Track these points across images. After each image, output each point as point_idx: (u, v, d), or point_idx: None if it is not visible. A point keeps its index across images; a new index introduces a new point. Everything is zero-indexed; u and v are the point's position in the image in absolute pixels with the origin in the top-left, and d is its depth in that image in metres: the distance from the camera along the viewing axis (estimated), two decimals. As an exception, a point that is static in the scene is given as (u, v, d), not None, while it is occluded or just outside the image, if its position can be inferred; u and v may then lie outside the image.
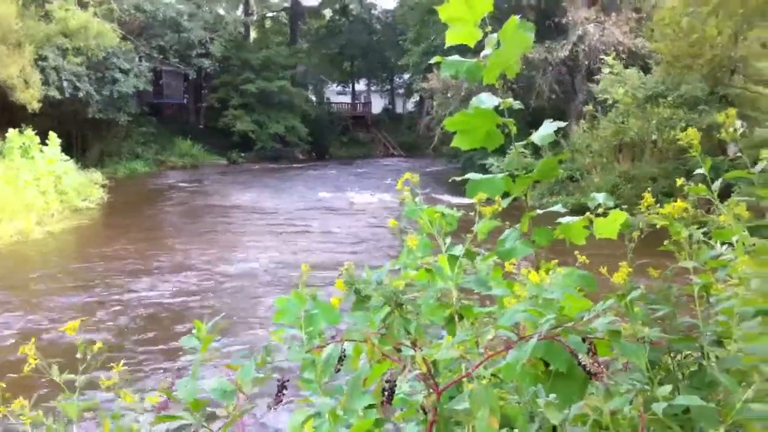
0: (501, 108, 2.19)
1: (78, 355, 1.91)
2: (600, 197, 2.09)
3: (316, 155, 47.05)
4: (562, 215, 2.23)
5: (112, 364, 1.91)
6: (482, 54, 2.07)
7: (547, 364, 1.59)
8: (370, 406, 2.04)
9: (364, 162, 44.37)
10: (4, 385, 1.90)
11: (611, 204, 2.05)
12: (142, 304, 11.81)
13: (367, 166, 40.77)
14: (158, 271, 14.32)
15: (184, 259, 15.53)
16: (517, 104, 2.11)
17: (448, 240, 2.18)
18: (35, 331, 9.85)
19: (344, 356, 1.61)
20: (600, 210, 2.08)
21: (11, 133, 23.47)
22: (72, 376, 1.91)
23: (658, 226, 1.97)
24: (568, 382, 1.57)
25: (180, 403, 1.56)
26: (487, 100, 2.12)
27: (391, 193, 23.79)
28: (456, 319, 2.01)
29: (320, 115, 49.56)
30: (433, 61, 2.11)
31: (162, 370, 7.97)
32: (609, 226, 2.07)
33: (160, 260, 15.36)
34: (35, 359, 1.92)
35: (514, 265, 2.10)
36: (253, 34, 52.60)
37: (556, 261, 2.02)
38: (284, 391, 1.61)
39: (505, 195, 2.24)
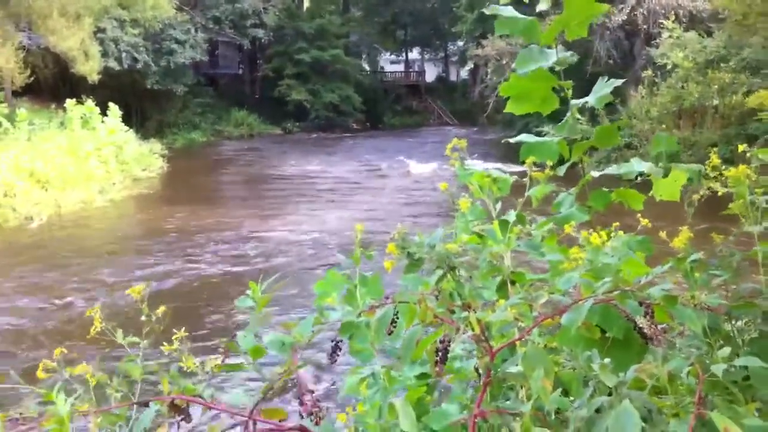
0: (557, 70, 2.14)
1: (142, 318, 1.96)
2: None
3: (370, 124, 47.03)
4: (620, 179, 2.18)
5: (174, 329, 1.95)
6: (539, 7, 2.02)
7: (603, 332, 1.57)
8: (423, 375, 2.04)
9: (418, 131, 44.19)
10: (70, 345, 1.96)
11: (675, 149, 1.97)
12: (203, 271, 12.06)
13: (421, 135, 40.60)
14: (217, 239, 14.57)
15: (243, 227, 15.77)
16: (571, 55, 2.04)
17: (499, 205, 2.15)
18: (99, 295, 10.16)
19: (397, 318, 1.62)
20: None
21: (70, 103, 24.01)
22: (136, 339, 1.95)
23: (720, 193, 1.91)
24: (624, 348, 1.55)
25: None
26: (539, 55, 2.06)
27: (444, 162, 23.66)
28: (508, 284, 1.99)
29: (374, 84, 49.44)
30: (488, 12, 2.04)
31: (223, 334, 8.15)
32: (670, 187, 2.00)
33: (218, 228, 15.62)
34: (100, 322, 1.98)
35: (573, 229, 2.07)
36: (306, 3, 52.52)
37: (617, 224, 1.98)
38: (339, 351, 1.62)
39: (562, 162, 2.20)
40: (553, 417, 1.58)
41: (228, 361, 1.75)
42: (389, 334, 1.71)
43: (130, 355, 1.91)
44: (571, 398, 1.73)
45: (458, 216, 2.07)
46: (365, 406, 1.91)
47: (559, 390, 1.58)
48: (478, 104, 37.16)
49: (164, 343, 1.92)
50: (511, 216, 2.10)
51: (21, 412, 1.71)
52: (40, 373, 1.75)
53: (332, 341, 1.64)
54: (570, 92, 2.12)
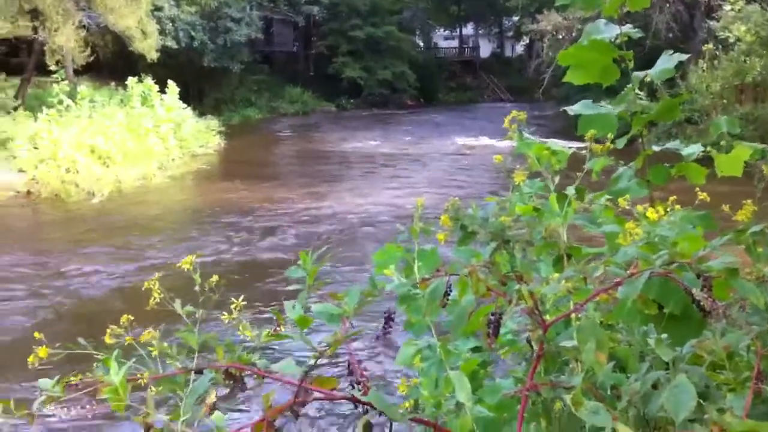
0: (618, 42, 2.09)
1: (196, 288, 1.98)
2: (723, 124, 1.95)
3: (424, 101, 46.78)
4: (680, 154, 2.12)
5: (232, 298, 1.98)
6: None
7: (660, 308, 1.53)
8: (476, 349, 2.04)
9: (472, 107, 43.82)
10: (132, 318, 2.00)
11: (737, 130, 1.92)
12: (260, 245, 12.23)
13: (475, 111, 40.26)
14: (274, 215, 14.74)
15: (298, 202, 15.92)
16: (636, 32, 2.00)
17: (558, 178, 2.11)
18: (158, 266, 10.38)
19: (450, 290, 1.61)
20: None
21: (131, 81, 24.47)
22: (192, 308, 1.98)
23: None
24: (681, 323, 1.51)
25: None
26: (605, 29, 2.02)
27: (499, 138, 23.43)
28: (565, 259, 1.96)
29: (427, 60, 49.11)
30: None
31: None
32: (733, 162, 1.94)
33: (274, 203, 15.80)
34: (159, 293, 2.02)
35: (630, 204, 2.02)
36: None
37: (674, 197, 1.93)
38: (391, 323, 1.63)
39: (620, 136, 2.14)
40: (608, 392, 1.56)
41: (283, 331, 1.76)
42: (443, 307, 1.71)
43: (188, 324, 1.94)
44: (627, 375, 1.71)
45: (513, 189, 2.04)
46: (420, 378, 1.91)
47: (614, 364, 1.55)
48: (534, 80, 36.62)
49: (223, 313, 1.95)
50: (570, 190, 2.06)
51: (81, 377, 1.75)
52: (108, 338, 1.79)
53: (385, 313, 1.64)
54: (631, 63, 2.07)
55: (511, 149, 2.18)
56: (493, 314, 1.48)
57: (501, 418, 1.84)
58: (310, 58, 46.89)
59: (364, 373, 1.55)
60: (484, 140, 26.32)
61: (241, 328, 1.89)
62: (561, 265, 1.96)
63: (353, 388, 1.52)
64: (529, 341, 1.64)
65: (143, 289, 2.07)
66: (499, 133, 20.89)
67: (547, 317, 1.62)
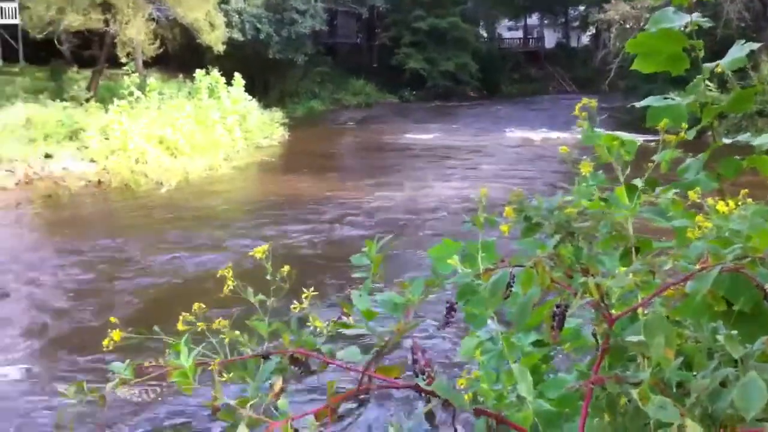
0: (687, 31, 2.04)
1: (267, 277, 2.02)
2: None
3: (487, 92, 46.37)
4: (751, 147, 2.06)
5: (298, 288, 2.01)
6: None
7: (729, 304, 1.50)
8: (537, 343, 2.02)
9: (536, 99, 43.24)
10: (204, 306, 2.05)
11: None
12: (324, 236, 12.36)
13: (540, 103, 39.75)
14: (337, 206, 14.86)
15: (361, 194, 16.01)
16: (706, 21, 1.94)
17: (628, 170, 2.07)
18: (226, 255, 10.58)
19: (513, 282, 1.60)
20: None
21: (199, 73, 24.95)
22: (263, 297, 2.02)
23: None
24: (752, 320, 1.48)
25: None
26: (674, 17, 1.97)
27: (564, 130, 23.11)
28: (633, 252, 1.93)
29: (491, 51, 48.66)
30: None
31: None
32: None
33: (337, 195, 15.93)
34: (232, 281, 2.06)
35: (699, 197, 1.98)
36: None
37: (746, 191, 1.88)
38: (453, 313, 1.63)
39: (690, 128, 2.09)
40: (674, 389, 1.54)
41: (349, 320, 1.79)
42: (505, 299, 1.70)
43: (258, 313, 1.98)
44: (694, 373, 1.67)
45: (579, 180, 2.01)
46: (480, 371, 1.91)
47: (681, 359, 1.53)
48: (600, 71, 35.91)
49: (295, 302, 1.98)
50: (639, 182, 2.03)
51: (152, 362, 1.81)
52: (180, 325, 1.84)
53: (447, 303, 1.65)
54: (701, 53, 2.02)
55: (577, 141, 2.15)
56: (558, 306, 1.47)
57: (563, 412, 1.83)
58: (373, 50, 46.98)
59: (429, 361, 1.55)
60: (549, 132, 26.00)
61: (310, 319, 1.92)
62: (628, 259, 1.93)
63: (417, 376, 1.53)
64: (594, 335, 1.63)
65: (218, 275, 2.13)
66: (564, 126, 20.62)
67: (613, 312, 1.60)
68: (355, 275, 1.67)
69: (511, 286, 1.65)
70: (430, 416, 1.51)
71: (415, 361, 1.55)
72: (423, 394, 1.49)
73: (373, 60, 46.63)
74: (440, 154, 22.38)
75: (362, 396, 1.49)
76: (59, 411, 1.85)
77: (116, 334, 1.83)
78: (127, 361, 1.83)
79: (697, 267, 1.42)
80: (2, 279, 10.39)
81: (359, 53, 46.88)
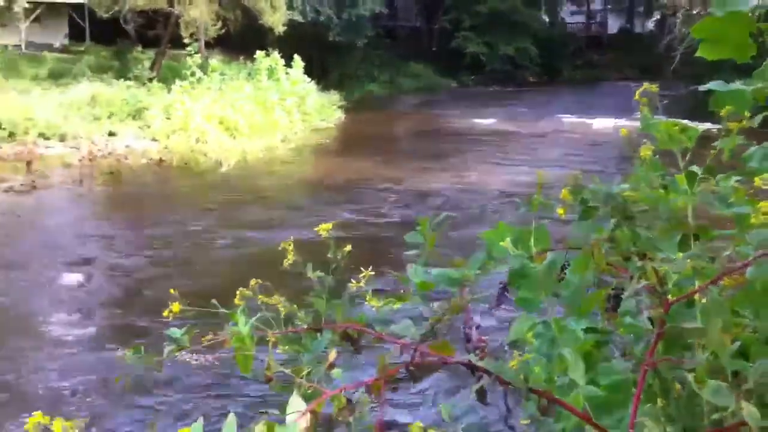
0: (756, 15, 1.99)
1: (329, 255, 2.05)
2: None
3: (548, 77, 45.70)
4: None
5: (354, 267, 2.04)
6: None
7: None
8: (590, 330, 2.01)
9: (598, 84, 42.48)
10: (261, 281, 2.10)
11: None
12: (379, 218, 12.42)
13: (601, 89, 39.05)
14: (392, 189, 14.90)
15: (416, 178, 16.01)
16: (776, 2, 1.88)
17: (688, 156, 2.04)
18: (283, 233, 10.71)
19: (567, 265, 1.60)
20: None
21: (259, 54, 25.20)
22: (321, 273, 2.05)
23: None
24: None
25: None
26: (741, 1, 1.92)
27: (625, 117, 22.68)
28: (692, 239, 1.90)
29: (552, 36, 47.89)
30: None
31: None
32: None
33: (393, 178, 15.95)
34: (292, 256, 2.11)
35: (765, 184, 1.93)
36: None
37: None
38: (506, 294, 1.63)
39: (757, 112, 2.04)
40: (729, 377, 1.52)
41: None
42: (559, 281, 1.70)
43: (317, 289, 2.01)
44: (750, 364, 1.64)
45: (637, 165, 1.98)
46: (532, 354, 1.91)
47: (738, 344, 1.50)
48: (664, 58, 35.06)
49: (352, 280, 2.01)
50: (698, 169, 1.99)
51: (211, 332, 1.86)
52: (237, 300, 1.89)
53: (500, 283, 1.65)
54: (772, 38, 1.96)
55: (637, 129, 2.12)
56: (614, 289, 1.47)
57: (616, 399, 1.82)
58: (432, 33, 46.71)
59: (483, 338, 1.55)
60: (608, 119, 25.52)
61: (366, 298, 1.95)
62: (687, 246, 1.90)
63: (468, 353, 1.54)
64: (650, 319, 1.61)
65: (279, 249, 2.17)
66: (625, 113, 20.21)
67: (670, 298, 1.58)
68: (409, 253, 1.68)
69: (566, 269, 1.64)
70: (481, 394, 1.52)
71: (467, 338, 1.55)
72: (475, 372, 1.50)
73: (433, 43, 46.36)
74: (497, 139, 22.21)
75: (414, 371, 1.51)
76: (121, 374, 1.93)
77: (175, 306, 1.89)
78: (185, 327, 1.89)
79: (758, 253, 1.40)
80: (68, 251, 10.74)
81: (418, 37, 46.67)
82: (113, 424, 5.89)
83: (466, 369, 1.54)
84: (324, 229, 2.04)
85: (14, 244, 11.11)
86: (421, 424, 1.64)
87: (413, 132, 25.21)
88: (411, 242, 1.70)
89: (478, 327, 1.58)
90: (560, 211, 1.84)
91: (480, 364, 1.42)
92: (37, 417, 1.44)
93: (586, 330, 2.00)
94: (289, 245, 2.08)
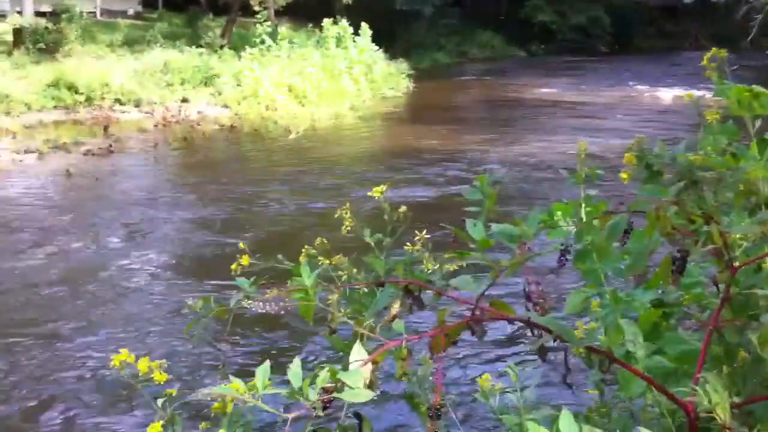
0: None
1: (385, 217, 2.09)
2: None
3: (619, 47, 44.40)
4: None
5: (416, 231, 2.07)
6: None
7: None
8: (657, 301, 1.99)
9: (671, 55, 41.09)
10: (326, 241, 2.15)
11: None
12: (441, 186, 12.42)
13: (674, 59, 37.77)
14: (457, 157, 14.85)
15: (482, 147, 15.92)
16: None
17: (758, 122, 1.99)
18: (350, 198, 10.83)
19: (631, 228, 1.59)
20: None
21: (327, 22, 25.23)
22: (380, 236, 2.09)
23: None
24: None
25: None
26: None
27: (698, 88, 21.96)
28: (763, 208, 1.87)
29: (625, 4, 46.45)
30: None
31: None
32: None
33: (459, 147, 15.90)
34: (350, 221, 2.16)
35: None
36: None
37: None
38: (567, 256, 1.64)
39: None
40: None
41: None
42: (622, 245, 1.69)
43: (374, 253, 2.05)
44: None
45: (704, 130, 1.95)
46: (597, 324, 1.91)
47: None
48: (742, 28, 33.64)
49: (408, 243, 2.04)
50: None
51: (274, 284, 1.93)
52: (302, 258, 1.95)
53: (562, 245, 1.65)
54: None
55: (707, 99, 2.07)
56: (679, 251, 1.46)
57: (683, 369, 1.81)
58: (501, 2, 45.88)
59: (542, 293, 1.57)
60: (679, 90, 24.75)
61: (423, 260, 1.98)
62: (754, 214, 1.86)
63: (527, 310, 1.56)
64: (715, 284, 1.60)
65: (335, 216, 2.23)
66: (697, 83, 19.61)
67: (737, 264, 1.56)
68: (468, 209, 1.68)
69: (629, 232, 1.64)
70: (541, 352, 1.54)
71: (527, 296, 1.57)
72: (535, 331, 1.51)
73: (501, 12, 45.53)
74: (565, 109, 21.83)
75: (474, 327, 1.54)
76: (190, 323, 2.01)
77: (245, 259, 1.97)
78: (252, 278, 1.96)
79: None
80: (145, 212, 11.10)
81: (487, 5, 45.87)
82: (182, 366, 6.15)
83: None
84: (378, 191, 2.07)
85: (93, 205, 11.52)
86: (489, 377, 1.67)
87: (480, 101, 24.98)
88: (470, 199, 1.71)
89: (538, 284, 1.59)
90: (624, 175, 1.83)
91: (540, 321, 1.44)
92: (123, 355, 1.54)
93: (654, 303, 1.99)
94: (347, 212, 2.13)
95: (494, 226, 1.55)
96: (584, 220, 1.68)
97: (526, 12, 41.81)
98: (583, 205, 1.76)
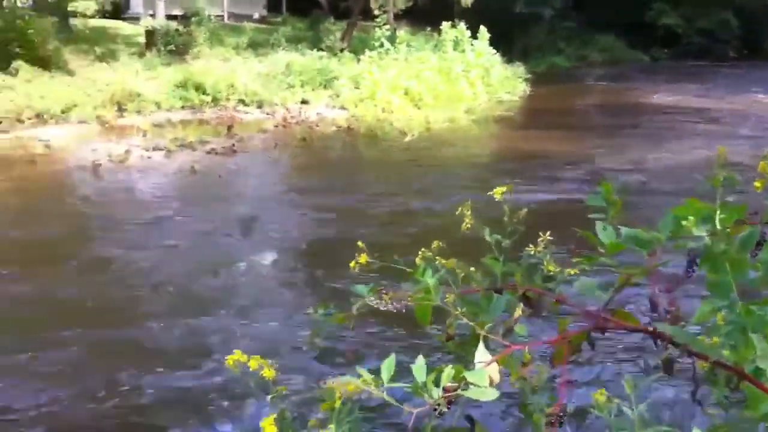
0: None
1: (505, 218, 2.11)
2: None
3: (749, 52, 42.24)
4: None
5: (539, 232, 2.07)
6: None
7: None
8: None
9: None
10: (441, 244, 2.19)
11: None
12: (556, 192, 12.21)
13: (814, 66, 35.60)
14: (572, 164, 14.55)
15: (599, 153, 15.52)
16: None
17: None
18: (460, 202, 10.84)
19: (764, 239, 1.54)
20: None
21: (445, 26, 25.29)
22: (498, 236, 2.11)
23: None
24: None
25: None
26: None
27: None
28: None
29: (757, 7, 44.11)
30: None
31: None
32: None
33: (576, 154, 15.56)
34: (470, 219, 2.18)
35: None
36: None
37: None
38: (695, 266, 1.60)
39: None
40: None
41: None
42: (753, 257, 1.64)
43: (491, 254, 2.07)
44: None
45: None
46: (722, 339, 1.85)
47: None
48: None
49: (530, 245, 2.05)
50: None
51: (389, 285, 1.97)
52: (419, 260, 1.99)
53: (689, 254, 1.62)
54: None
55: None
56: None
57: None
58: (623, 5, 44.48)
59: (673, 301, 1.53)
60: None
61: (544, 263, 1.97)
62: None
63: (651, 321, 1.53)
64: None
65: (455, 214, 2.26)
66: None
67: None
68: (592, 216, 1.66)
69: (761, 244, 1.59)
70: (667, 365, 1.50)
71: (653, 306, 1.54)
72: (661, 342, 1.48)
73: (623, 16, 44.16)
74: (689, 116, 20.97)
75: (596, 336, 1.53)
76: (313, 330, 2.09)
77: (363, 257, 2.02)
78: (371, 284, 2.01)
79: None
80: (265, 209, 11.50)
81: (608, 8, 44.61)
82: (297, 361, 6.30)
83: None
84: (499, 192, 2.08)
85: (215, 201, 12.01)
86: (605, 392, 1.65)
87: (599, 106, 24.37)
88: (593, 205, 1.70)
89: (668, 292, 1.54)
90: (757, 184, 1.77)
91: (666, 331, 1.41)
92: (237, 355, 1.62)
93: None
94: (467, 209, 2.15)
95: (623, 231, 1.52)
96: (719, 227, 1.63)
97: (650, 16, 40.39)
98: (719, 211, 1.70)
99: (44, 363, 6.36)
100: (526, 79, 26.81)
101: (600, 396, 1.64)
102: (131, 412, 5.67)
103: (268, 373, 1.53)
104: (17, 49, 18.86)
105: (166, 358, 6.51)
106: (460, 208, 2.22)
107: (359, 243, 2.06)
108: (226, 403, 5.66)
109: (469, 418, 1.64)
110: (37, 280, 8.28)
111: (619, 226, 1.58)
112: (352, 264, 2.04)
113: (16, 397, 5.79)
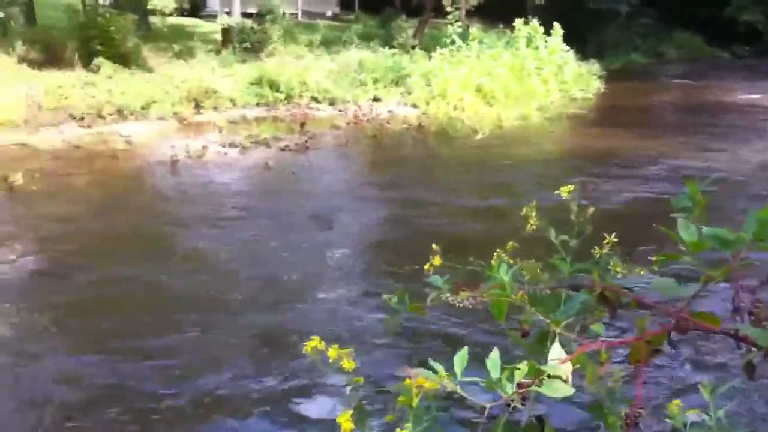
0: None
1: (572, 217, 2.10)
2: None
3: (841, 49, 40.42)
4: None
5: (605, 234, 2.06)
6: None
7: None
8: None
9: None
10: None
11: None
12: (631, 192, 11.99)
13: None
14: (649, 163, 14.26)
15: (673, 155, 15.15)
16: None
17: None
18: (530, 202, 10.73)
19: None
20: None
21: (518, 23, 25.03)
22: (565, 237, 2.10)
23: None
24: None
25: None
26: None
27: None
28: None
29: None
30: None
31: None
32: None
33: (651, 153, 15.23)
34: (535, 220, 2.18)
35: None
36: None
37: None
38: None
39: None
40: None
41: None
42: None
43: (559, 254, 2.06)
44: None
45: None
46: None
47: None
48: None
49: (595, 247, 2.03)
50: None
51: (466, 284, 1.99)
52: (494, 261, 2.00)
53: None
54: None
55: None
56: None
57: None
58: (702, 1, 43.16)
59: (758, 303, 1.48)
60: None
61: (611, 263, 1.96)
62: None
63: (735, 322, 1.49)
64: None
65: (521, 214, 2.26)
66: None
67: None
68: (674, 215, 1.64)
69: None
70: (749, 369, 1.46)
71: (735, 307, 1.51)
72: (741, 344, 1.44)
73: (700, 12, 42.84)
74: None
75: (676, 337, 1.51)
76: (387, 319, 2.12)
77: (437, 260, 2.05)
78: (446, 276, 2.03)
79: None
80: (337, 205, 11.64)
81: (684, 4, 43.36)
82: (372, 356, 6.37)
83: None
84: (566, 191, 2.07)
85: (289, 196, 12.20)
86: (680, 402, 1.62)
87: (676, 104, 23.77)
88: (678, 206, 1.67)
89: (753, 292, 1.50)
90: None
91: (749, 333, 1.38)
92: (315, 341, 1.66)
93: None
94: (532, 210, 2.15)
95: (706, 230, 1.49)
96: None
97: (729, 12, 39.07)
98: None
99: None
100: (600, 77, 26.33)
101: (674, 407, 1.61)
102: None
103: (348, 364, 1.56)
104: (98, 47, 19.51)
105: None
106: (524, 209, 2.23)
107: (433, 246, 2.09)
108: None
109: (539, 419, 1.64)
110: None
111: (701, 226, 1.55)
112: (426, 266, 2.07)
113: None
